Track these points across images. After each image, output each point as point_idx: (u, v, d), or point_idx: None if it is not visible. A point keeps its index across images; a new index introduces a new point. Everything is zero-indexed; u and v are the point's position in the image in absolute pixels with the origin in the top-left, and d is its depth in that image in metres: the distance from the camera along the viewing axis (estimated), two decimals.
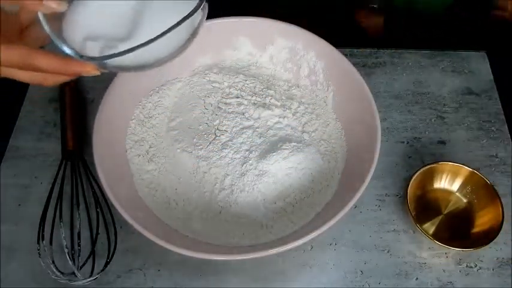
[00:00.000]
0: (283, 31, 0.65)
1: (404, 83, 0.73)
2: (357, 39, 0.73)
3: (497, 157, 0.66)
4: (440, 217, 0.61)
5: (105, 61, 0.42)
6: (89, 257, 0.56)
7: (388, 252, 0.59)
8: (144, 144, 0.61)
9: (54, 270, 0.54)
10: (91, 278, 0.55)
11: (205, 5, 0.43)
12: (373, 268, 0.58)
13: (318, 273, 0.58)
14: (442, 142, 0.67)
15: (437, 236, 0.58)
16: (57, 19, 0.43)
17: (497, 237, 0.56)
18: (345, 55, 0.62)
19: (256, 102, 0.63)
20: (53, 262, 0.55)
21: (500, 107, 0.71)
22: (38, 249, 0.56)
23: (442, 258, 0.59)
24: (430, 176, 0.61)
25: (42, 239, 0.56)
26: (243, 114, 0.62)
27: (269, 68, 0.68)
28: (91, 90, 0.70)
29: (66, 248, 0.55)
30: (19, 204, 0.61)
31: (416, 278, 0.57)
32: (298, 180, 0.57)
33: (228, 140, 0.59)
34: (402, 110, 0.70)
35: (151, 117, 0.63)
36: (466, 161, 0.63)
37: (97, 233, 0.58)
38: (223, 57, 0.68)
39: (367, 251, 0.59)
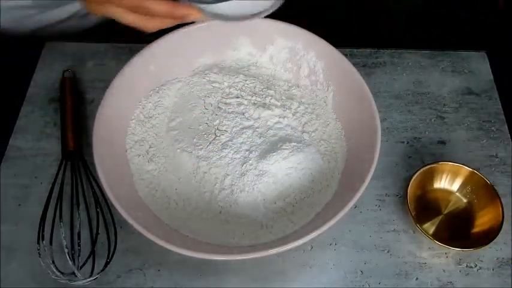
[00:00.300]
0: (283, 31, 0.65)
1: (404, 83, 0.73)
2: (357, 39, 0.73)
3: (497, 157, 0.66)
4: (440, 217, 0.61)
5: (207, 6, 0.47)
6: (89, 257, 0.56)
7: (388, 252, 0.59)
8: (144, 144, 0.61)
9: (54, 270, 0.54)
10: (91, 278, 0.55)
11: None
12: (373, 268, 0.58)
13: (318, 273, 0.58)
14: (442, 142, 0.67)
15: (437, 236, 0.58)
16: None
17: (497, 237, 0.56)
18: (345, 55, 0.62)
19: (256, 102, 0.63)
20: (53, 262, 0.55)
21: (500, 107, 0.71)
22: (38, 249, 0.56)
23: (442, 258, 0.59)
24: (430, 176, 0.61)
25: (42, 239, 0.56)
26: (243, 114, 0.62)
27: (269, 68, 0.68)
28: (91, 90, 0.70)
29: (66, 248, 0.55)
30: (19, 204, 0.61)
31: (416, 278, 0.57)
32: (298, 180, 0.57)
33: (228, 140, 0.59)
34: (402, 110, 0.70)
35: (151, 117, 0.63)
36: (466, 161, 0.63)
37: (97, 233, 0.58)
38: (223, 57, 0.68)
39: (367, 251, 0.59)
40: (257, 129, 0.61)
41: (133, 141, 0.60)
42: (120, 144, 0.60)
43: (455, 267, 0.58)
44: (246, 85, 0.65)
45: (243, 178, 0.57)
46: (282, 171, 0.57)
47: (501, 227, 0.56)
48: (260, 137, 0.60)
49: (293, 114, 0.63)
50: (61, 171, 0.61)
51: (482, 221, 0.59)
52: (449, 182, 0.62)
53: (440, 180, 0.62)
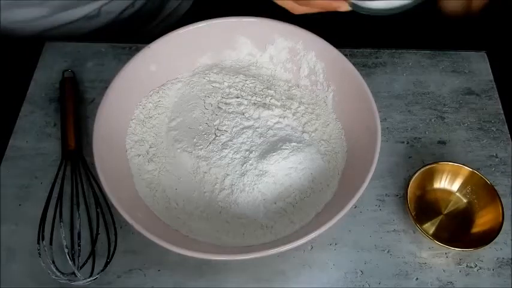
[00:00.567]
0: (283, 31, 0.65)
1: (405, 83, 0.73)
2: (357, 39, 0.73)
3: (497, 157, 0.66)
4: (440, 217, 0.61)
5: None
6: (89, 257, 0.56)
7: (388, 252, 0.59)
8: (144, 144, 0.61)
9: (54, 270, 0.54)
10: (91, 278, 0.55)
11: None
12: (373, 268, 0.58)
13: (318, 273, 0.58)
14: (442, 142, 0.67)
15: (437, 236, 0.58)
16: None
17: (497, 237, 0.56)
18: (345, 55, 0.62)
19: (256, 102, 0.63)
20: (53, 262, 0.55)
21: (500, 107, 0.71)
22: (38, 249, 0.56)
23: (442, 258, 0.59)
24: (430, 176, 0.61)
25: (42, 239, 0.56)
26: (243, 114, 0.62)
27: (269, 68, 0.68)
28: (91, 90, 0.70)
29: (66, 248, 0.55)
30: (19, 204, 0.61)
31: (417, 278, 0.57)
32: (298, 180, 0.57)
33: (228, 140, 0.59)
34: (402, 110, 0.70)
35: (151, 117, 0.63)
36: (466, 161, 0.63)
37: (97, 233, 0.58)
38: (223, 57, 0.68)
39: (367, 251, 0.59)
40: (257, 129, 0.61)
41: (133, 141, 0.60)
42: (120, 144, 0.60)
43: (455, 267, 0.58)
44: (246, 85, 0.65)
45: (243, 178, 0.57)
46: (282, 171, 0.57)
47: (501, 227, 0.56)
48: (260, 137, 0.60)
49: (293, 114, 0.63)
50: (61, 171, 0.61)
51: (482, 221, 0.59)
52: (449, 182, 0.62)
53: (440, 180, 0.62)
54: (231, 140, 0.59)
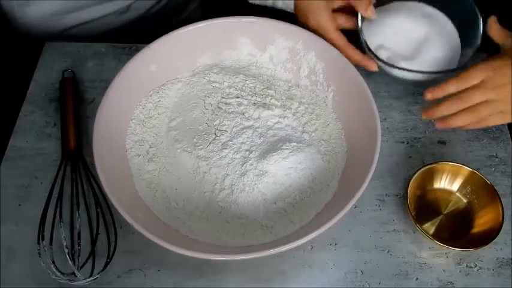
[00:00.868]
0: (283, 31, 0.65)
1: (404, 83, 0.72)
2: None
3: (497, 157, 0.66)
4: (440, 217, 0.61)
5: (386, 67, 0.62)
6: (89, 257, 0.56)
7: (388, 252, 0.59)
8: (144, 144, 0.61)
9: (54, 270, 0.54)
10: (91, 278, 0.55)
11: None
12: (373, 268, 0.58)
13: (318, 273, 0.58)
14: (442, 142, 0.67)
15: (437, 236, 0.58)
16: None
17: (497, 237, 0.56)
18: None
19: (256, 102, 0.63)
20: (53, 262, 0.55)
21: None
22: (38, 249, 0.56)
23: (442, 258, 0.59)
24: (430, 176, 0.61)
25: (42, 239, 0.56)
26: (243, 114, 0.62)
27: (269, 68, 0.68)
28: (91, 90, 0.70)
29: (66, 248, 0.55)
30: (19, 204, 0.61)
31: (417, 278, 0.57)
32: (298, 180, 0.57)
33: (228, 140, 0.59)
34: (402, 110, 0.70)
35: (151, 117, 0.63)
36: (466, 161, 0.63)
37: (97, 233, 0.58)
38: (223, 57, 0.68)
39: (367, 251, 0.59)
40: (257, 129, 0.61)
41: (133, 141, 0.60)
42: (120, 144, 0.60)
43: (455, 267, 0.58)
44: (246, 85, 0.65)
45: (243, 178, 0.57)
46: (282, 171, 0.57)
47: (501, 227, 0.56)
48: (260, 137, 0.60)
49: (293, 114, 0.63)
50: (61, 171, 0.61)
51: (482, 221, 0.59)
52: (449, 182, 0.62)
53: (440, 180, 0.62)
54: (231, 140, 0.59)
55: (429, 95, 0.57)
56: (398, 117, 0.69)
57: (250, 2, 0.69)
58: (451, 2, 0.66)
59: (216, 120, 0.61)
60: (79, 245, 0.57)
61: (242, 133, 0.60)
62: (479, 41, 0.62)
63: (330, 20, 0.64)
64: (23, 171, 0.63)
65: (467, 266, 0.58)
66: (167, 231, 0.54)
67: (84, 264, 0.56)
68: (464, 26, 0.66)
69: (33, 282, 0.56)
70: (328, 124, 0.64)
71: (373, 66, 0.63)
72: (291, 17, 0.69)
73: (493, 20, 0.60)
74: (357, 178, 0.54)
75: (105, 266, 0.56)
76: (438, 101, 0.58)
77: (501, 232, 0.56)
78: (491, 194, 0.59)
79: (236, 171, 0.57)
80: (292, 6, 0.68)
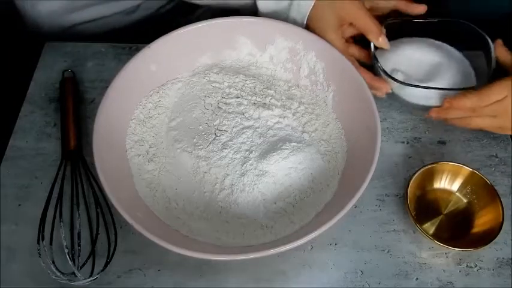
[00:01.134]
0: (283, 31, 0.65)
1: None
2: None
3: (497, 157, 0.66)
4: (440, 217, 0.61)
5: (398, 89, 0.63)
6: (89, 257, 0.56)
7: (388, 252, 0.59)
8: (144, 144, 0.61)
9: (54, 270, 0.54)
10: (91, 278, 0.55)
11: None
12: (373, 268, 0.58)
13: (318, 273, 0.58)
14: (442, 142, 0.67)
15: (437, 236, 0.58)
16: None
17: (497, 237, 0.56)
18: None
19: (256, 102, 0.63)
20: (53, 262, 0.55)
21: None
22: (38, 249, 0.56)
23: (442, 258, 0.59)
24: (430, 176, 0.61)
25: (42, 239, 0.56)
26: (243, 114, 0.62)
27: (269, 68, 0.68)
28: (91, 90, 0.70)
29: (66, 248, 0.55)
30: (19, 204, 0.61)
31: (416, 278, 0.57)
32: (298, 180, 0.57)
33: (228, 140, 0.59)
34: (402, 110, 0.70)
35: (151, 117, 0.63)
36: (466, 161, 0.63)
37: (97, 233, 0.58)
38: (223, 57, 0.68)
39: (367, 251, 0.59)
40: (257, 129, 0.61)
41: (133, 141, 0.60)
42: (120, 144, 0.60)
43: (455, 267, 0.58)
44: (246, 85, 0.65)
45: (243, 178, 0.57)
46: (282, 171, 0.57)
47: (501, 227, 0.56)
48: (260, 137, 0.60)
49: (293, 114, 0.63)
50: (61, 171, 0.61)
51: (482, 221, 0.59)
52: (449, 182, 0.62)
53: (440, 180, 0.62)
54: (231, 140, 0.59)
55: (447, 104, 0.58)
56: (398, 117, 0.69)
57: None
58: (459, 33, 0.67)
59: (216, 120, 0.61)
60: (79, 245, 0.57)
61: (242, 133, 0.60)
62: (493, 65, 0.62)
63: (341, 46, 0.64)
64: (23, 171, 0.63)
65: (467, 266, 0.58)
66: (167, 231, 0.54)
67: (84, 264, 0.56)
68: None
69: (33, 282, 0.56)
70: (328, 124, 0.64)
71: (385, 88, 0.62)
72: None
73: (499, 43, 0.61)
74: (357, 178, 0.54)
75: (105, 266, 0.56)
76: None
77: (501, 232, 0.56)
78: (491, 194, 0.59)
79: (236, 171, 0.57)
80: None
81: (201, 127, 0.61)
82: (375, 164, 0.53)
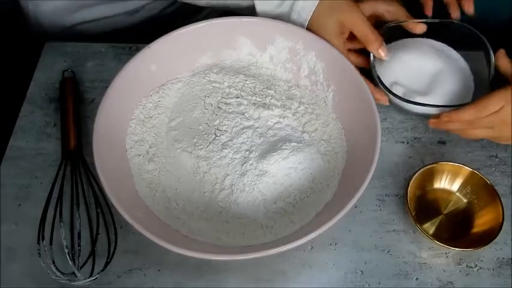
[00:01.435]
0: (283, 31, 0.65)
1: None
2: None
3: (497, 157, 0.66)
4: (440, 217, 0.61)
5: (399, 102, 0.62)
6: (89, 257, 0.56)
7: (388, 252, 0.59)
8: (144, 144, 0.61)
9: (54, 270, 0.54)
10: (91, 278, 0.55)
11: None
12: (373, 268, 0.58)
13: (318, 273, 0.58)
14: (442, 142, 0.67)
15: (437, 236, 0.58)
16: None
17: (497, 237, 0.56)
18: None
19: (256, 102, 0.63)
20: (53, 262, 0.55)
21: None
22: (38, 249, 0.56)
23: (442, 258, 0.59)
24: (430, 176, 0.61)
25: (42, 239, 0.56)
26: (243, 114, 0.62)
27: (269, 68, 0.68)
28: (91, 90, 0.70)
29: (66, 248, 0.55)
30: (19, 204, 0.61)
31: (416, 278, 0.57)
32: (298, 180, 0.57)
33: (228, 140, 0.59)
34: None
35: (151, 117, 0.63)
36: (466, 161, 0.63)
37: (97, 233, 0.58)
38: (223, 57, 0.68)
39: (367, 251, 0.59)
40: (257, 129, 0.61)
41: (134, 141, 0.60)
42: (120, 144, 0.60)
43: (455, 267, 0.58)
44: (246, 85, 0.65)
45: (243, 178, 0.57)
46: (282, 171, 0.57)
47: (501, 227, 0.56)
48: (260, 137, 0.60)
49: (293, 114, 0.63)
50: (61, 171, 0.61)
51: (482, 221, 0.59)
52: (449, 182, 0.62)
53: (440, 180, 0.62)
54: (231, 140, 0.59)
55: (445, 118, 0.59)
56: (398, 117, 0.69)
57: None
58: (460, 35, 0.66)
59: (216, 120, 0.61)
60: (79, 245, 0.57)
61: (242, 133, 0.60)
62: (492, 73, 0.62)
63: (342, 49, 0.64)
64: (23, 171, 0.63)
65: (467, 266, 0.58)
66: (167, 231, 0.54)
67: (84, 264, 0.56)
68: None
69: (33, 282, 0.56)
70: (328, 124, 0.64)
71: (383, 100, 0.63)
72: None
73: (502, 53, 0.61)
74: (357, 178, 0.54)
75: (105, 266, 0.56)
76: None
77: (501, 232, 0.56)
78: (491, 194, 0.59)
79: (236, 171, 0.57)
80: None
81: (201, 127, 0.61)
82: (375, 164, 0.53)
